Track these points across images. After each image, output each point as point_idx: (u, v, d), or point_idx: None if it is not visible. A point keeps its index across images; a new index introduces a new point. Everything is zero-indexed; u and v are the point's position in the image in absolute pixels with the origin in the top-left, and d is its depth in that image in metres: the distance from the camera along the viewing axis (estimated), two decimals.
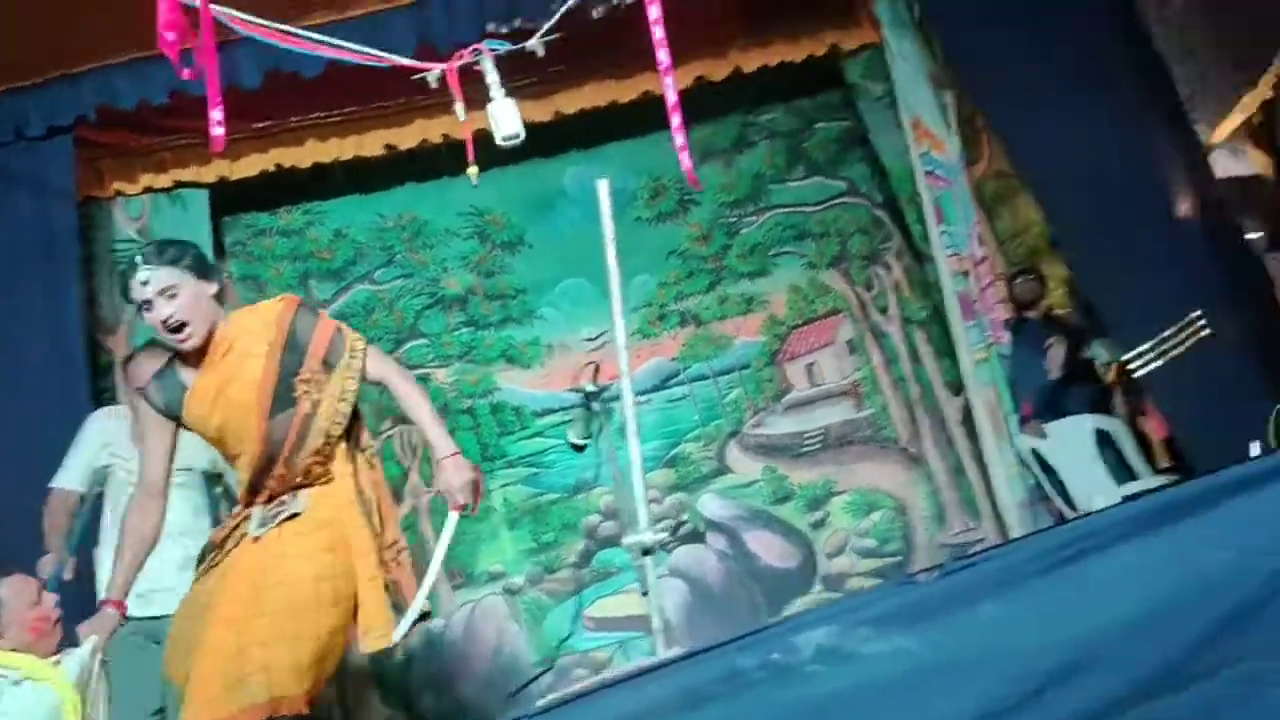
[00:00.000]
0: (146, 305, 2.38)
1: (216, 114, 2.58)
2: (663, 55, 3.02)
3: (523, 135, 3.03)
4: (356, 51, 3.11)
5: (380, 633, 2.28)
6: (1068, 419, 4.43)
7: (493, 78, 3.03)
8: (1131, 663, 1.65)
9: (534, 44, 3.09)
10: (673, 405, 4.80)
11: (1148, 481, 4.10)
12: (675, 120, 2.87)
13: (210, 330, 2.43)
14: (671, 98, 2.84)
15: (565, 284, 4.87)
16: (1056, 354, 4.34)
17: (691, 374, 4.87)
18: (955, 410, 4.78)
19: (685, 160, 2.99)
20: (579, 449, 2.90)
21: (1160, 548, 1.77)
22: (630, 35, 4.19)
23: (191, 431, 2.51)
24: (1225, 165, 5.21)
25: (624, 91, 4.67)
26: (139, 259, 2.36)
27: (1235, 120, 4.85)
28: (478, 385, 4.78)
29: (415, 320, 4.85)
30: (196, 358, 2.48)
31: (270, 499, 2.47)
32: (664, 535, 2.08)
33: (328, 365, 2.49)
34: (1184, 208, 4.04)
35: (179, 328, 2.36)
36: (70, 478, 3.18)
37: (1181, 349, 3.80)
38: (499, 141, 3.02)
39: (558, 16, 3.07)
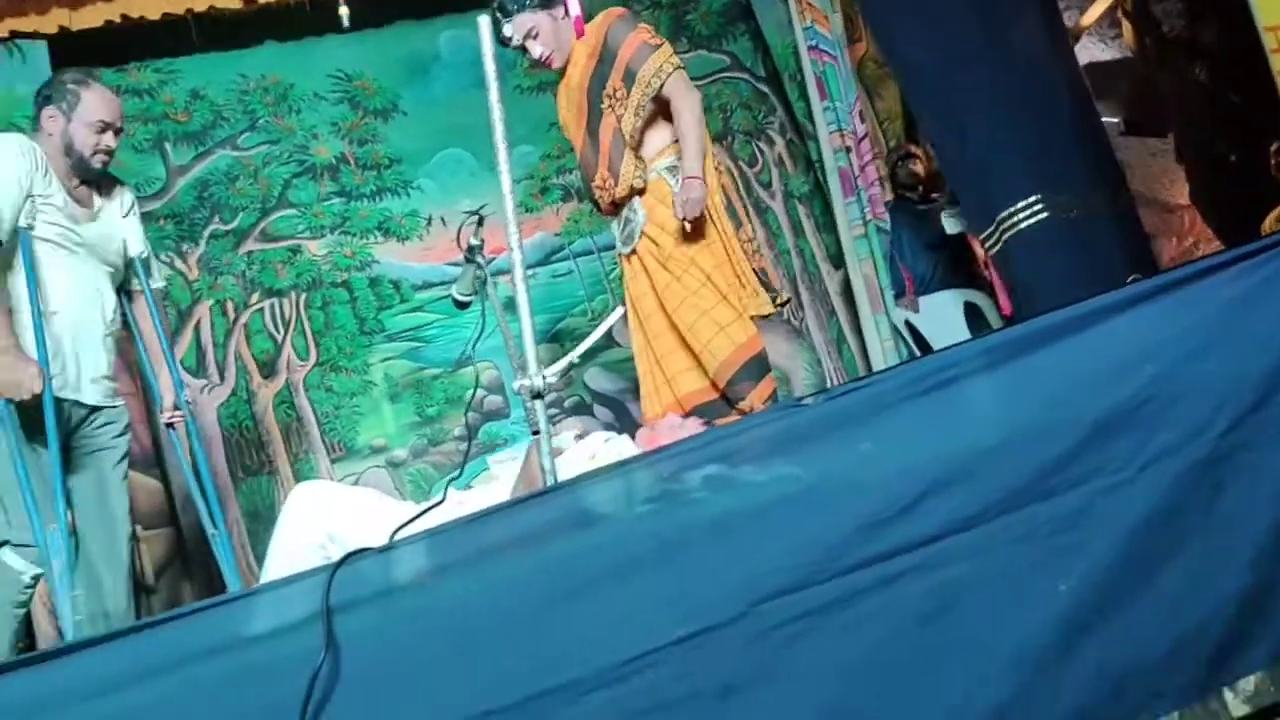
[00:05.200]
0: (521, 49, 2.99)
1: None
2: None
3: None
4: None
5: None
6: (940, 293, 4.60)
7: None
8: (1002, 476, 1.73)
9: None
10: (557, 280, 4.73)
11: None
12: None
13: (570, 49, 2.98)
14: None
15: (443, 154, 4.68)
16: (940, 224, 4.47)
17: (576, 249, 4.78)
18: (836, 283, 4.86)
19: (575, 7, 2.88)
20: (463, 305, 2.80)
21: (1029, 369, 1.84)
22: None
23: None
24: (1090, 52, 5.36)
25: None
26: (499, 13, 2.90)
27: (1104, 4, 4.96)
28: (353, 258, 4.57)
29: (284, 189, 4.57)
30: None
31: (614, 211, 3.03)
32: (554, 379, 2.03)
33: (629, 76, 2.83)
34: (1045, 92, 4.10)
35: (546, 60, 2.97)
36: None
37: (1017, 230, 3.89)
38: None
39: None
